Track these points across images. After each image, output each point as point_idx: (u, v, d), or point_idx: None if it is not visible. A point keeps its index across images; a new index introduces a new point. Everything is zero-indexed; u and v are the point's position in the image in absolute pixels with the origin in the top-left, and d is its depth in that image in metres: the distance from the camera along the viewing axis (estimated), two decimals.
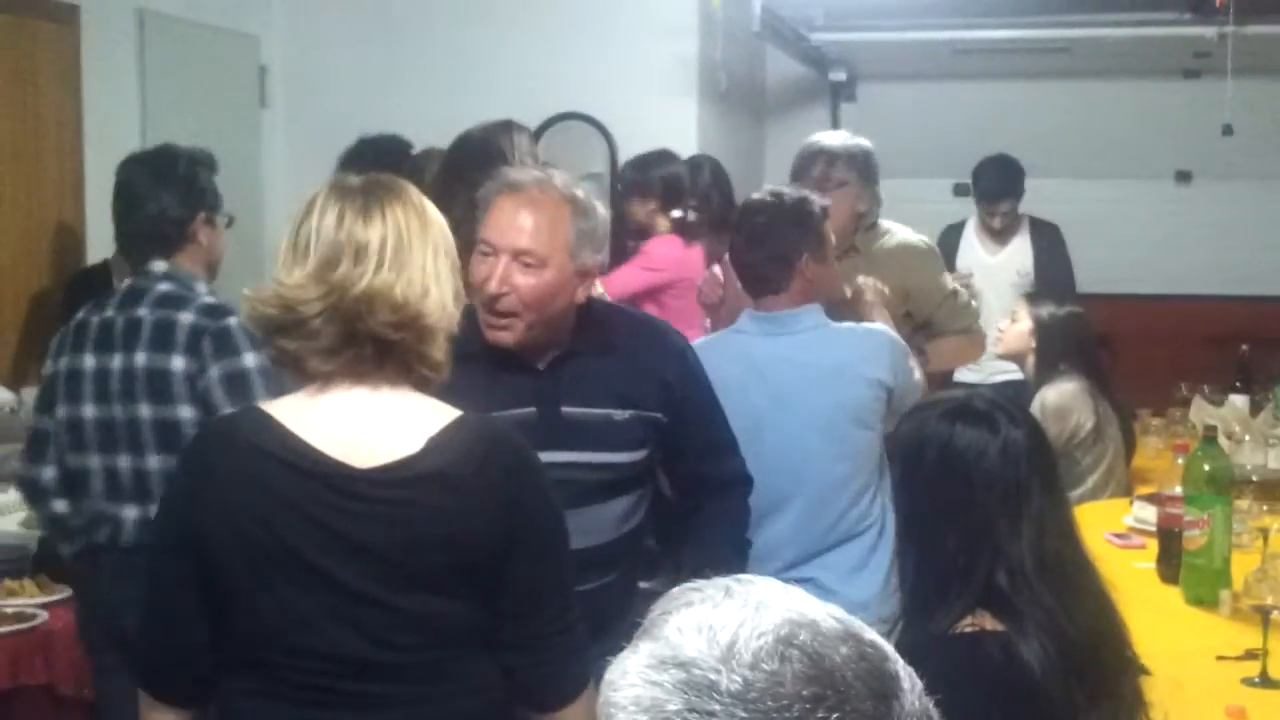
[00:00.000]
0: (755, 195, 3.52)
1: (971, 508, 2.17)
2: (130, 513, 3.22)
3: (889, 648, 1.12)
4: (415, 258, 2.09)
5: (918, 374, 3.54)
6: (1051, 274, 5.88)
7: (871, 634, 1.12)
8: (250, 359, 3.17)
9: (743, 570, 2.32)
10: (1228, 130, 6.32)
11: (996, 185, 6.03)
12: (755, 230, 3.40)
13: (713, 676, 1.04)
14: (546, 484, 2.22)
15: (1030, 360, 4.66)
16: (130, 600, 2.68)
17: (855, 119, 8.43)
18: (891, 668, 1.09)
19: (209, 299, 3.33)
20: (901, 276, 3.98)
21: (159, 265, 3.36)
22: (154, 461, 3.18)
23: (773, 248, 3.38)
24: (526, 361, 2.77)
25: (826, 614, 1.11)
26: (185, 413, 3.17)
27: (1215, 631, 3.07)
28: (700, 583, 1.16)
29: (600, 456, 2.78)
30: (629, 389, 2.80)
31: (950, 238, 6.05)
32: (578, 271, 2.72)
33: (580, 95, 6.76)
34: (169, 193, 3.45)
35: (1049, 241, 5.97)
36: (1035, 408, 4.23)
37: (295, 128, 7.20)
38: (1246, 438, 4.49)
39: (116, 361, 3.23)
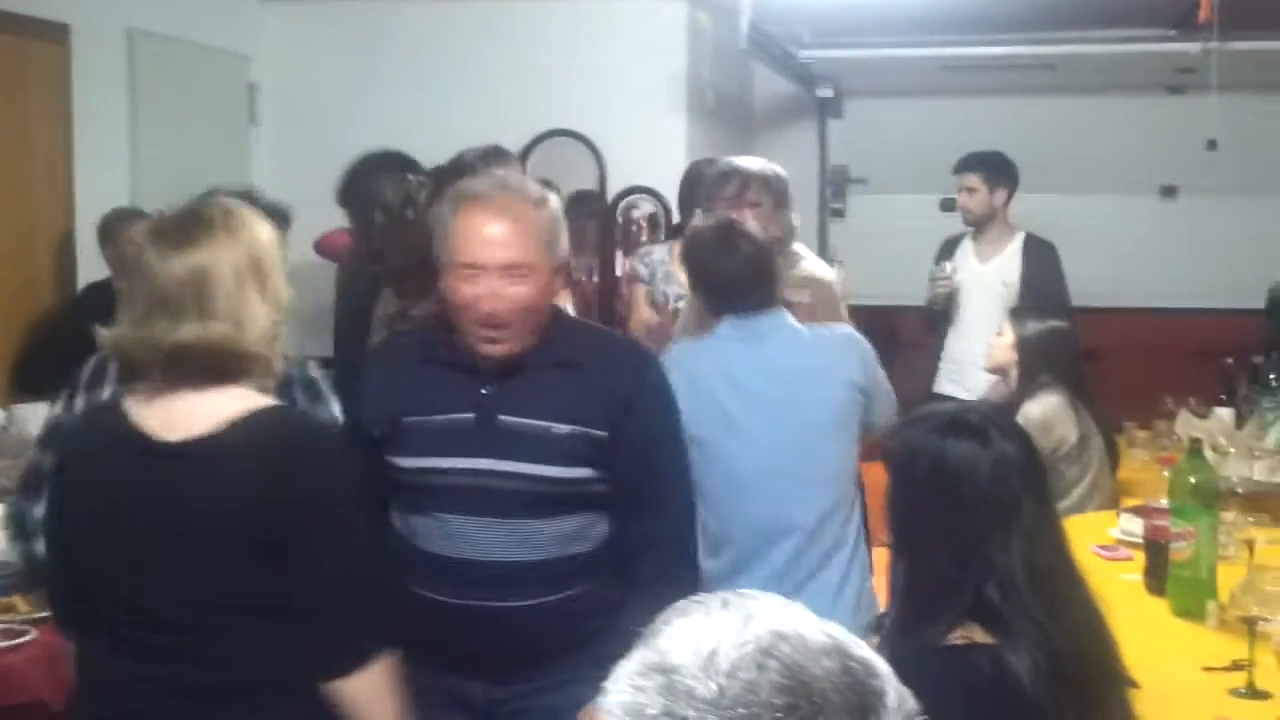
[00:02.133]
0: (709, 222, 3.68)
1: (963, 520, 2.18)
2: None
3: (880, 665, 1.13)
4: (220, 298, 2.31)
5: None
6: (1043, 290, 5.89)
7: (864, 651, 1.13)
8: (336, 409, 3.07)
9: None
10: (1212, 145, 6.37)
11: (964, 160, 6.05)
12: (741, 251, 3.49)
13: (691, 683, 1.08)
14: (338, 471, 2.39)
15: (1013, 374, 4.69)
16: None
17: (842, 135, 8.49)
18: (877, 685, 1.11)
19: None
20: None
21: None
22: None
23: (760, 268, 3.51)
24: (478, 369, 2.77)
25: (818, 629, 1.13)
26: None
27: (1202, 643, 3.08)
28: (702, 595, 1.19)
29: (534, 468, 2.72)
30: (576, 404, 2.75)
31: (945, 252, 6.08)
32: (556, 268, 2.77)
33: (569, 112, 6.79)
34: None
35: (1042, 258, 5.98)
36: (1018, 421, 4.25)
37: (284, 146, 7.22)
38: (1232, 450, 4.51)
39: None
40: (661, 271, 4.75)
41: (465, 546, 2.74)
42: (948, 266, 5.88)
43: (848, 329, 3.67)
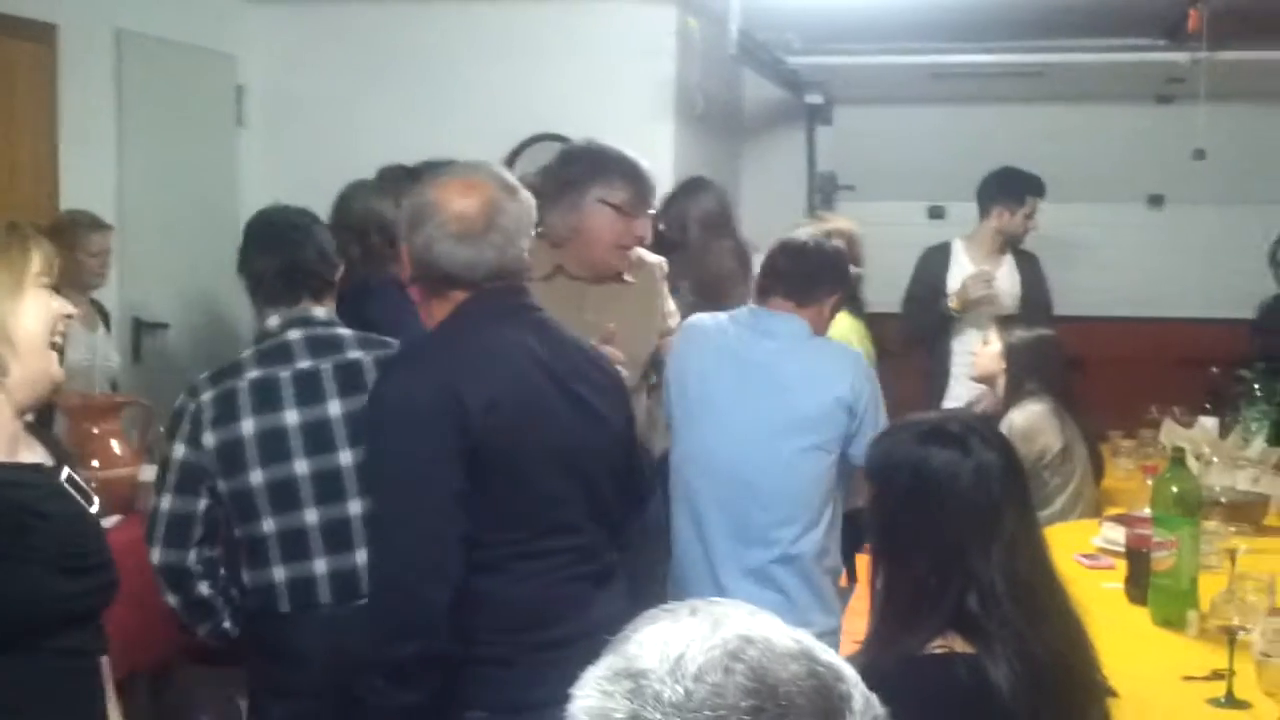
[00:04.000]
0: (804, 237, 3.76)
1: (943, 529, 2.18)
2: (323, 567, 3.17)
3: (846, 670, 1.14)
4: None
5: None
6: (1035, 299, 5.91)
7: (830, 656, 1.14)
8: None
9: None
10: (1200, 155, 6.38)
11: (1034, 179, 5.98)
12: (808, 250, 3.65)
13: (658, 687, 1.08)
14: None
15: (1001, 382, 4.70)
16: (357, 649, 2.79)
17: (831, 142, 8.49)
18: (843, 689, 1.12)
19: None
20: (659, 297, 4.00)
21: (320, 310, 3.32)
22: (355, 507, 3.13)
23: (819, 272, 3.62)
24: None
25: (786, 635, 1.14)
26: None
27: (1182, 652, 3.08)
28: (673, 602, 1.19)
29: None
30: None
31: (935, 258, 5.98)
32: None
33: (557, 117, 6.78)
34: (324, 234, 3.39)
35: (1032, 268, 6.00)
36: (1003, 429, 4.26)
37: (272, 147, 7.22)
38: (1215, 459, 4.53)
39: (335, 409, 3.18)
40: None
41: None
42: (991, 274, 5.82)
43: (857, 351, 3.73)
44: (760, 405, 3.49)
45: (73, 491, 2.43)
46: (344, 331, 3.28)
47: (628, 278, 3.79)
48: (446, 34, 7.06)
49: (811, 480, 3.47)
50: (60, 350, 2.40)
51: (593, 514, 2.79)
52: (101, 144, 6.21)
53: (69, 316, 2.41)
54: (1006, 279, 5.87)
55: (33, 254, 2.36)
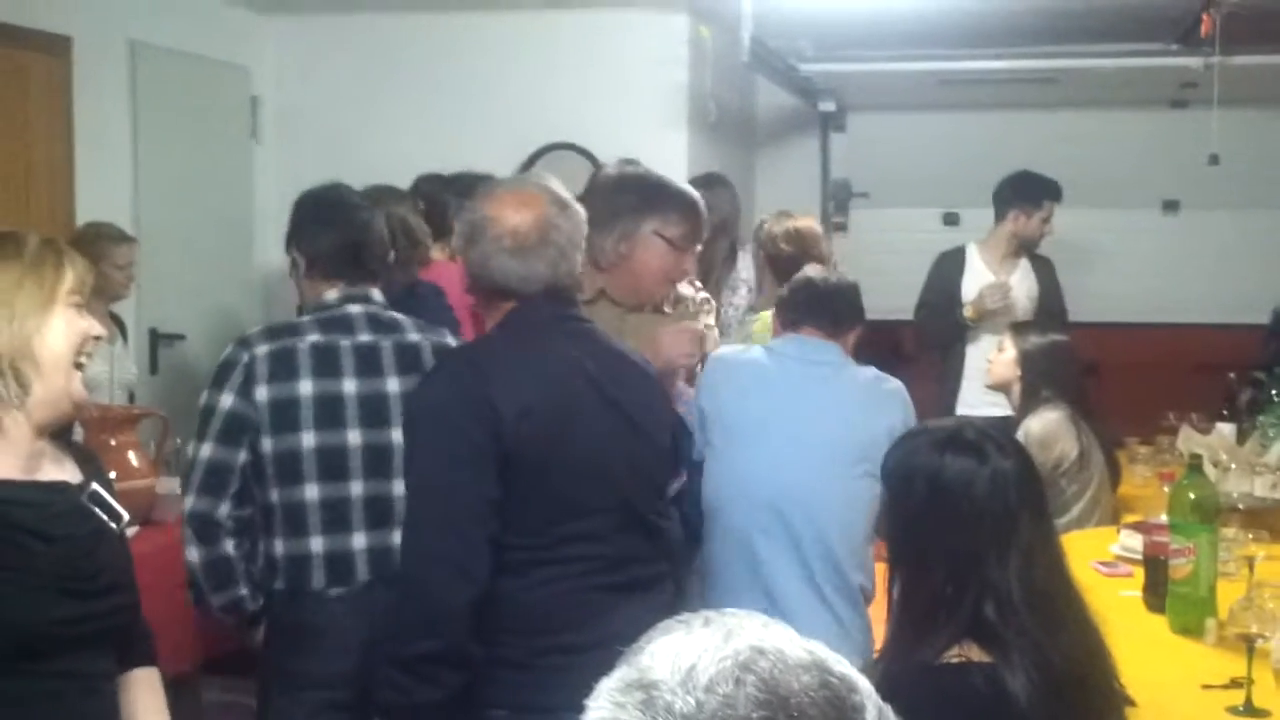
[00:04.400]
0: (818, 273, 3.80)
1: (960, 538, 2.18)
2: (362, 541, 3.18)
3: (861, 681, 1.14)
4: None
5: None
6: (1049, 305, 5.90)
7: (844, 667, 1.14)
8: None
9: None
10: (1214, 160, 6.36)
11: (1051, 183, 5.97)
12: (840, 288, 3.70)
13: (669, 698, 1.08)
14: None
15: (1016, 389, 4.69)
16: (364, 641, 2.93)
17: (845, 149, 8.49)
18: (856, 699, 1.12)
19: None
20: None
21: (377, 292, 3.34)
22: (399, 486, 3.05)
23: (847, 310, 3.68)
24: None
25: (800, 646, 1.14)
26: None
27: (1200, 660, 3.07)
28: (686, 613, 1.20)
29: None
30: None
31: (949, 264, 5.96)
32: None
33: (571, 125, 6.79)
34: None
35: (1047, 272, 5.99)
36: (1020, 437, 4.25)
37: (286, 159, 7.23)
38: (1233, 466, 4.51)
39: (393, 385, 3.19)
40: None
41: None
42: (1008, 282, 5.81)
43: (899, 384, 3.69)
44: (818, 431, 3.48)
45: (95, 509, 2.39)
46: (401, 316, 3.31)
47: (666, 308, 3.80)
48: (459, 45, 7.07)
49: (865, 505, 3.45)
50: (81, 369, 2.37)
51: (625, 525, 2.79)
52: (116, 156, 6.24)
53: (98, 338, 2.38)
54: (1021, 284, 5.86)
55: (67, 271, 2.33)
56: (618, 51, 6.91)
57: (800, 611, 3.30)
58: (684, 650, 1.12)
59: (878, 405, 3.54)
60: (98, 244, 5.26)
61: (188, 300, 6.73)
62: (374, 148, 6.72)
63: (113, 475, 3.86)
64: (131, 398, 5.54)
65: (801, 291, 3.68)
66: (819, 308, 3.63)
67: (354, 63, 7.20)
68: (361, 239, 3.27)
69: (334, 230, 3.28)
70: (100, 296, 5.33)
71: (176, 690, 4.08)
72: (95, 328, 2.38)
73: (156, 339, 6.46)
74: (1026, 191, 5.92)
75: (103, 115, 6.12)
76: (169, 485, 4.15)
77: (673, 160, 6.63)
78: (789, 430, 3.48)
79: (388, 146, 6.64)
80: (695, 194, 3.67)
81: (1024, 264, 5.94)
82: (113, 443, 3.98)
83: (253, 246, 7.22)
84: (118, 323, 5.64)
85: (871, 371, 3.67)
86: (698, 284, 4.13)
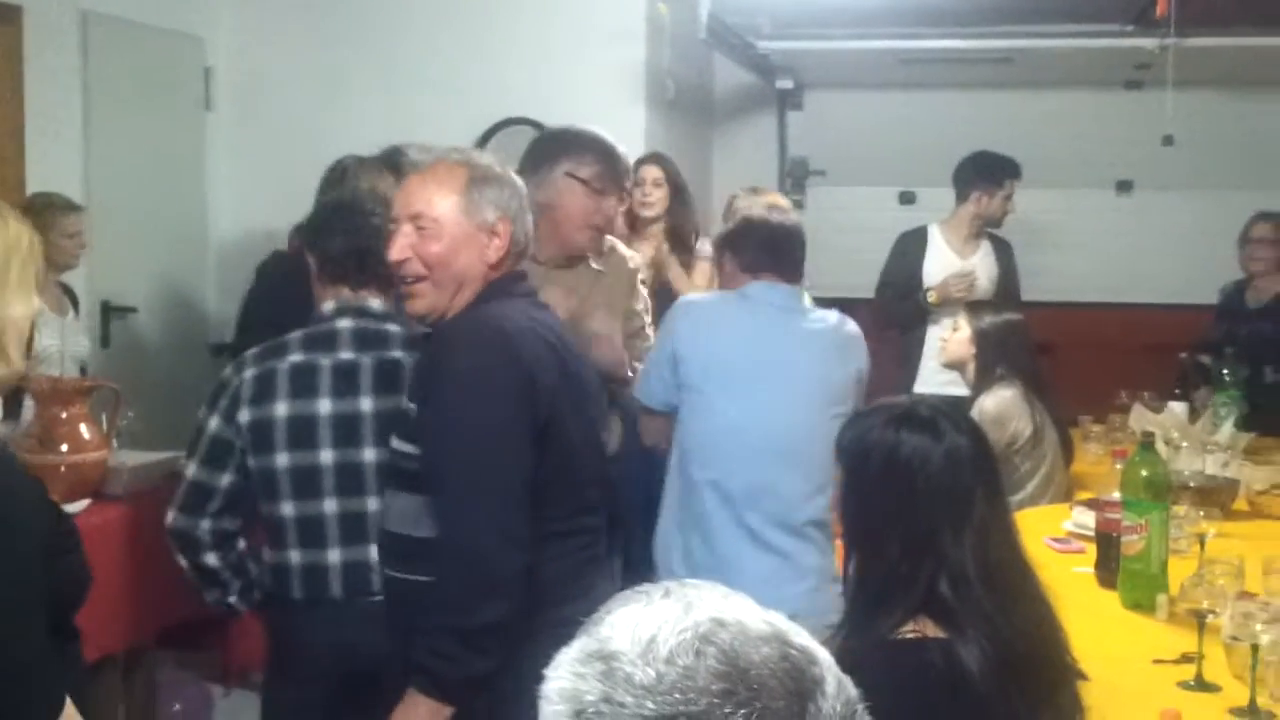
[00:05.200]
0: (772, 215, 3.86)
1: (915, 514, 2.19)
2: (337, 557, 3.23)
3: (820, 653, 1.14)
4: None
5: None
6: (1009, 286, 5.93)
7: (803, 639, 1.15)
8: None
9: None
10: (1168, 141, 6.40)
11: (1011, 162, 5.98)
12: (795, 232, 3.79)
13: (629, 669, 1.09)
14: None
15: (971, 368, 4.71)
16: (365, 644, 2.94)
17: (802, 127, 8.49)
18: (816, 671, 1.12)
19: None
20: (630, 294, 4.00)
21: (377, 302, 3.33)
22: (373, 503, 3.15)
23: (802, 253, 3.79)
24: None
25: (759, 617, 1.14)
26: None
27: (1152, 636, 3.10)
28: (646, 585, 1.20)
29: (398, 444, 2.79)
30: (422, 385, 2.77)
31: (911, 245, 5.96)
32: (478, 228, 2.74)
33: (528, 100, 6.76)
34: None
35: (1006, 254, 6.02)
36: (974, 415, 4.27)
37: (240, 130, 7.17)
38: (1184, 444, 4.55)
39: (367, 404, 3.22)
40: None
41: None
42: (970, 266, 5.83)
43: (856, 325, 3.83)
44: (802, 375, 3.61)
45: None
46: (394, 328, 3.31)
47: (595, 264, 3.78)
48: (417, 17, 7.02)
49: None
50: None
51: (604, 496, 2.86)
52: (68, 127, 6.16)
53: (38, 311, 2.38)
54: (983, 266, 5.89)
55: (37, 248, 2.32)
56: (576, 27, 6.88)
57: (803, 550, 3.49)
58: (644, 621, 1.13)
59: (847, 349, 3.72)
60: (46, 213, 5.22)
61: (140, 273, 6.67)
62: (328, 120, 6.67)
63: (64, 448, 3.88)
64: (84, 371, 5.49)
65: (758, 236, 3.74)
66: (782, 255, 3.73)
67: (309, 34, 7.14)
68: (369, 245, 3.26)
69: (343, 236, 3.32)
70: (51, 266, 5.30)
71: (129, 664, 4.08)
72: (37, 301, 2.36)
73: (108, 311, 6.40)
74: (987, 171, 5.93)
75: (54, 85, 6.04)
76: (120, 458, 4.11)
77: (630, 136, 6.56)
78: (780, 375, 3.59)
79: (342, 119, 6.60)
80: (612, 140, 3.67)
81: (985, 246, 5.96)
82: (64, 415, 3.92)
83: (206, 219, 7.15)
84: (69, 294, 5.58)
85: (835, 315, 3.79)
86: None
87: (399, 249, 2.75)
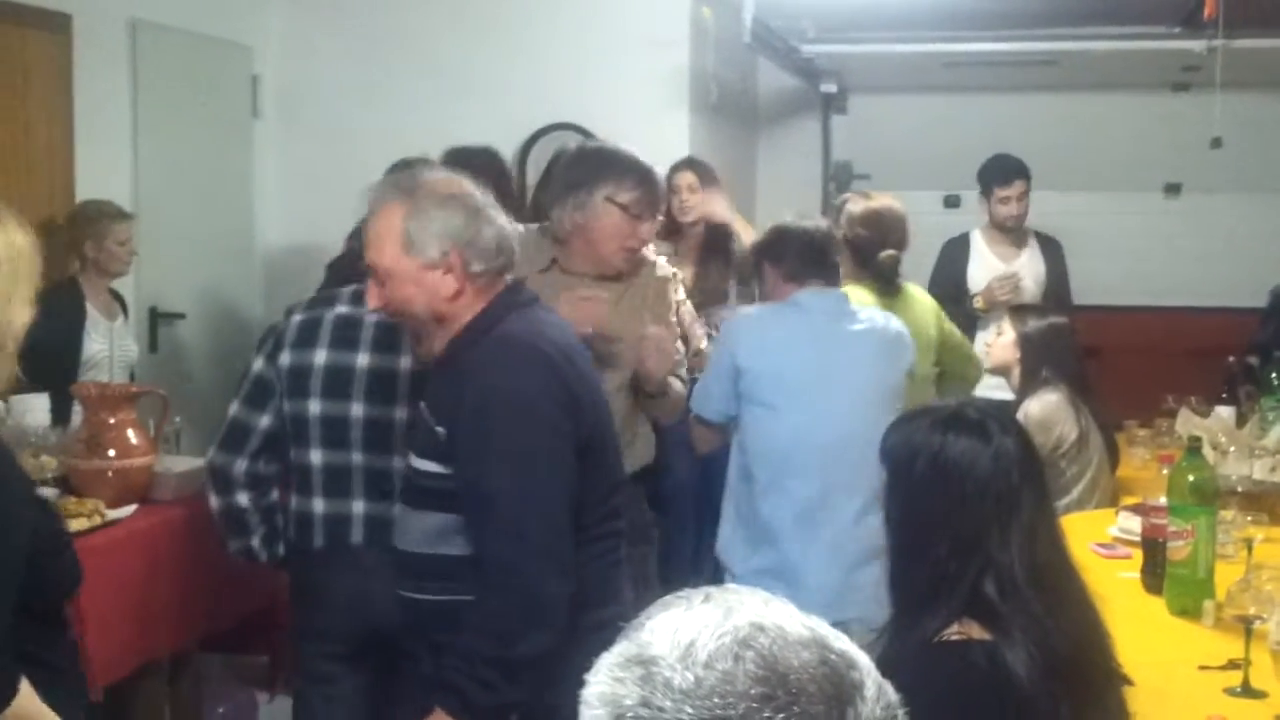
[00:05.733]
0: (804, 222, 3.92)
1: (962, 516, 2.18)
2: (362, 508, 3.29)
3: (860, 657, 1.14)
4: None
5: None
6: (1058, 287, 5.90)
7: (843, 643, 1.15)
8: None
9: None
10: (1216, 143, 6.35)
11: (1004, 165, 5.98)
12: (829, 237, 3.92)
13: (668, 674, 1.09)
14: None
15: (1016, 372, 4.69)
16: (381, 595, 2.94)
17: (846, 131, 8.48)
18: (856, 676, 1.12)
19: None
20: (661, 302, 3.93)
21: None
22: (398, 462, 3.14)
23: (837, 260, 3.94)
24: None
25: (799, 622, 1.14)
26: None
27: (1198, 642, 3.08)
28: (687, 590, 1.20)
29: (420, 463, 2.77)
30: (446, 404, 2.71)
31: (955, 251, 5.97)
32: (423, 268, 2.68)
33: (572, 106, 6.78)
34: None
35: (1055, 254, 5.98)
36: (1019, 419, 4.25)
37: (287, 138, 7.22)
38: (1232, 449, 4.50)
39: (405, 363, 3.25)
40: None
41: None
42: (1013, 269, 5.80)
43: (901, 322, 3.93)
44: (861, 379, 3.69)
45: None
46: None
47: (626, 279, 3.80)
48: (461, 24, 7.05)
49: None
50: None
51: (627, 500, 2.91)
52: (117, 134, 6.22)
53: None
54: (1028, 268, 5.86)
55: (38, 257, 2.38)
56: (619, 31, 6.90)
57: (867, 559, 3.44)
58: (684, 626, 1.13)
59: (897, 349, 3.83)
60: (98, 221, 5.30)
61: (187, 279, 6.72)
62: (374, 127, 6.70)
63: (111, 453, 3.91)
64: (132, 376, 5.55)
65: (796, 245, 3.82)
66: (823, 261, 3.83)
67: (355, 43, 7.18)
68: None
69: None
70: (102, 273, 5.37)
71: (174, 668, 4.11)
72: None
73: (156, 318, 6.45)
74: (979, 177, 6.01)
75: (103, 93, 6.10)
76: (166, 463, 4.15)
77: (674, 141, 6.62)
78: (841, 381, 3.66)
79: (387, 126, 6.62)
80: (649, 164, 3.70)
81: (1032, 246, 5.93)
82: (111, 420, 3.96)
83: (253, 225, 7.20)
84: (119, 300, 5.64)
85: (880, 315, 3.89)
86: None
87: (370, 300, 2.79)
